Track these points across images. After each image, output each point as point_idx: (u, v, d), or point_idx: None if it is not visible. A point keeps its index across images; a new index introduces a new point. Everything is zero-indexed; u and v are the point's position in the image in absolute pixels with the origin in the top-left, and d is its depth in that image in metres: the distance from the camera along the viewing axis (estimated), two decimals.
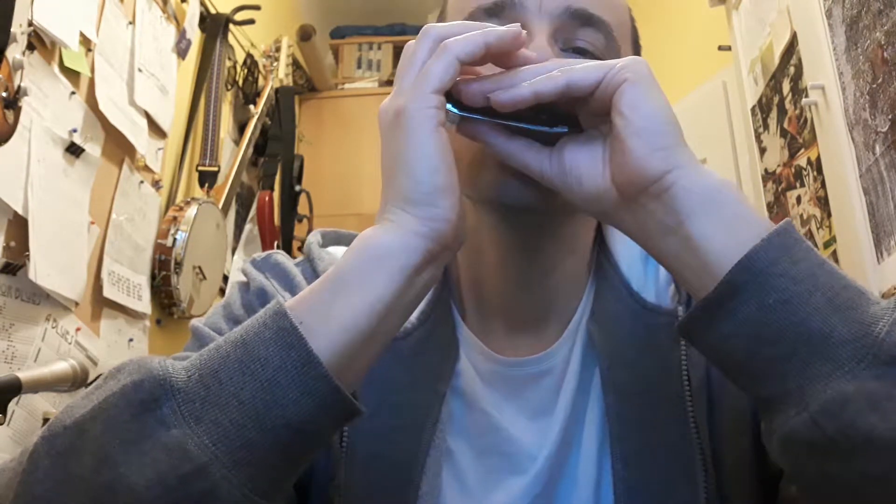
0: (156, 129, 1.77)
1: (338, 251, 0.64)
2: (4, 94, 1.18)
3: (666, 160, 0.44)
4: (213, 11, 2.12)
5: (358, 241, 0.45)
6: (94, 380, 0.45)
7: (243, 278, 0.63)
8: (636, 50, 0.62)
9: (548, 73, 0.45)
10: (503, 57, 0.48)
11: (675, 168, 0.43)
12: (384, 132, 0.47)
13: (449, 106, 0.48)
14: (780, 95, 1.61)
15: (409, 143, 0.45)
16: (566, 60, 0.47)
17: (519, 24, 0.52)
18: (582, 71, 0.45)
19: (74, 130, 1.41)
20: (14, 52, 1.20)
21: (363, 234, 0.46)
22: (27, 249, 1.24)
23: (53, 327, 1.34)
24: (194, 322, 0.59)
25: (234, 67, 2.31)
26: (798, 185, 1.54)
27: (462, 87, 0.47)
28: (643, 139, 0.44)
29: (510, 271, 0.59)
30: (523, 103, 0.45)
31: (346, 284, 0.43)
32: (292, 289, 0.60)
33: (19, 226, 1.24)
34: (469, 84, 0.47)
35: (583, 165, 0.47)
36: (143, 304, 1.68)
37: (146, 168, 1.73)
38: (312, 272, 0.62)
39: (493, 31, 0.46)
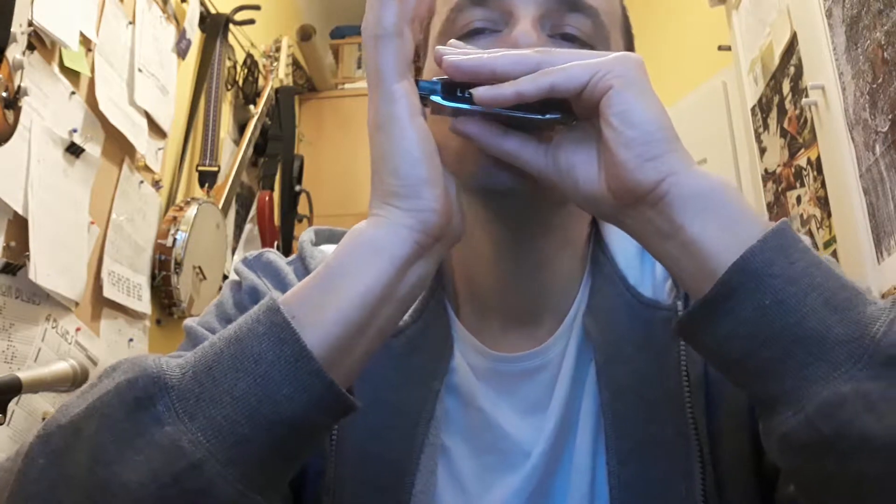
0: (156, 129, 1.77)
1: (330, 249, 0.63)
2: (4, 94, 1.18)
3: (658, 170, 0.43)
4: (213, 11, 2.12)
5: (348, 236, 0.45)
6: None
7: (235, 277, 0.63)
8: (628, 39, 0.61)
9: (532, 75, 0.44)
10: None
11: (669, 176, 0.43)
12: (369, 136, 0.47)
13: (439, 98, 0.47)
14: (780, 95, 1.61)
15: (388, 140, 0.45)
16: (550, 50, 0.46)
17: (504, 10, 0.51)
18: (565, 73, 0.44)
19: (74, 130, 1.41)
20: (14, 52, 1.20)
21: (353, 228, 0.46)
22: (27, 249, 1.24)
23: (53, 327, 1.34)
24: (187, 322, 0.59)
25: (234, 67, 2.31)
26: (798, 185, 1.53)
27: (453, 62, 0.46)
28: (634, 150, 0.43)
29: (502, 265, 0.58)
30: (505, 103, 0.45)
31: (336, 277, 0.43)
32: (283, 287, 0.59)
33: (19, 226, 1.24)
34: (459, 62, 0.46)
35: (579, 167, 0.46)
36: (143, 304, 1.68)
37: (146, 168, 1.73)
38: (304, 270, 0.61)
39: None
